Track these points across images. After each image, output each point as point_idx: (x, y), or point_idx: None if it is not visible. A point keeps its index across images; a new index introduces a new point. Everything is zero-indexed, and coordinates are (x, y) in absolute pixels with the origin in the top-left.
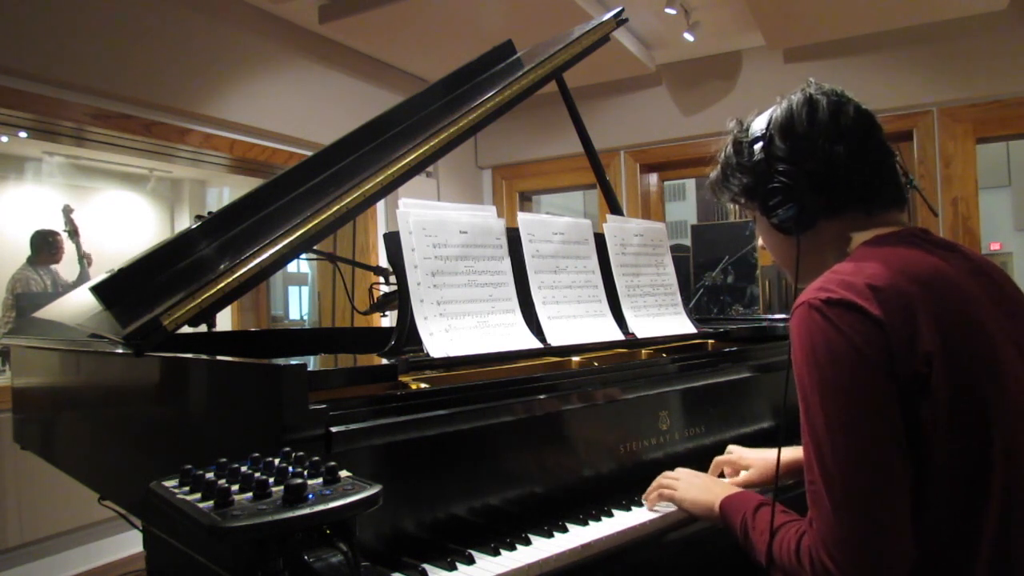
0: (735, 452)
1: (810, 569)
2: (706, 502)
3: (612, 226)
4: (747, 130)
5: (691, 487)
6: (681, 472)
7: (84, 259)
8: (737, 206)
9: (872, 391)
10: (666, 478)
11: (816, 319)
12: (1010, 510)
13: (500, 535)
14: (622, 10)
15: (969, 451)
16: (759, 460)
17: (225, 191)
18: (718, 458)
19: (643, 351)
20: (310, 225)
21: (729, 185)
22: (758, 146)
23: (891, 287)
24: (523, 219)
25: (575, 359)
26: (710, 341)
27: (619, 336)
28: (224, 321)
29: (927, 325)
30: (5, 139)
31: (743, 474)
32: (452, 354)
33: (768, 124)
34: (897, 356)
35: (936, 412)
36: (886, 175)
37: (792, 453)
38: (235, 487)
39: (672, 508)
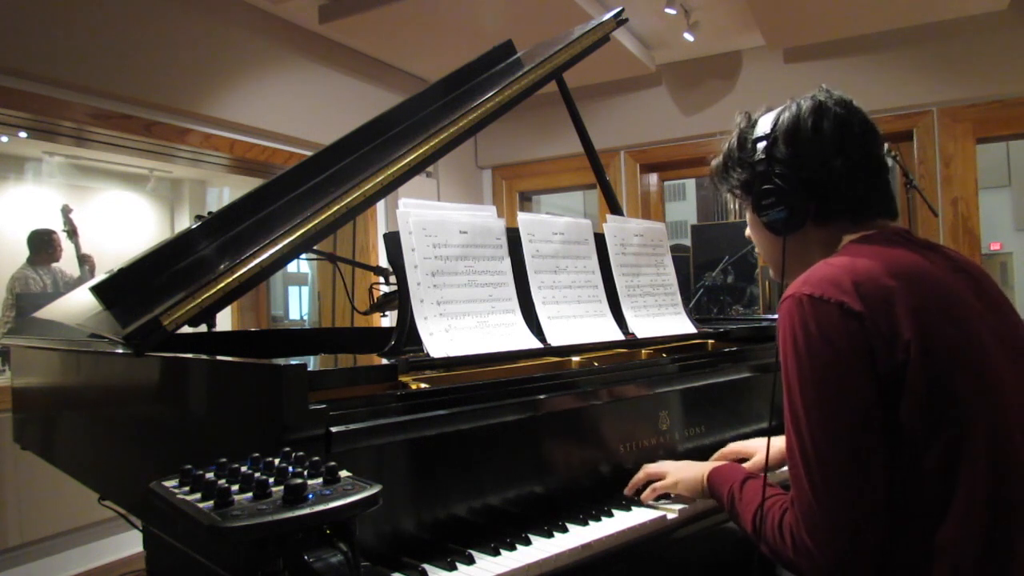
0: (736, 444)
1: (791, 545)
2: (694, 477)
3: (612, 226)
4: (753, 126)
5: (678, 470)
6: (662, 462)
7: (85, 263)
8: (734, 197)
9: (848, 384)
10: (652, 468)
11: (799, 313)
12: (998, 494)
13: (500, 535)
14: (622, 10)
15: (948, 438)
16: (762, 447)
17: (225, 191)
18: (721, 450)
19: (643, 351)
20: (310, 225)
21: (728, 177)
22: (761, 145)
23: (872, 281)
24: (523, 219)
25: (575, 359)
26: (710, 341)
27: (619, 336)
28: (224, 321)
29: (906, 316)
30: (5, 139)
31: (750, 461)
32: (452, 354)
33: (774, 125)
34: (877, 349)
35: (915, 399)
36: (880, 189)
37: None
38: (235, 487)
39: (671, 509)
